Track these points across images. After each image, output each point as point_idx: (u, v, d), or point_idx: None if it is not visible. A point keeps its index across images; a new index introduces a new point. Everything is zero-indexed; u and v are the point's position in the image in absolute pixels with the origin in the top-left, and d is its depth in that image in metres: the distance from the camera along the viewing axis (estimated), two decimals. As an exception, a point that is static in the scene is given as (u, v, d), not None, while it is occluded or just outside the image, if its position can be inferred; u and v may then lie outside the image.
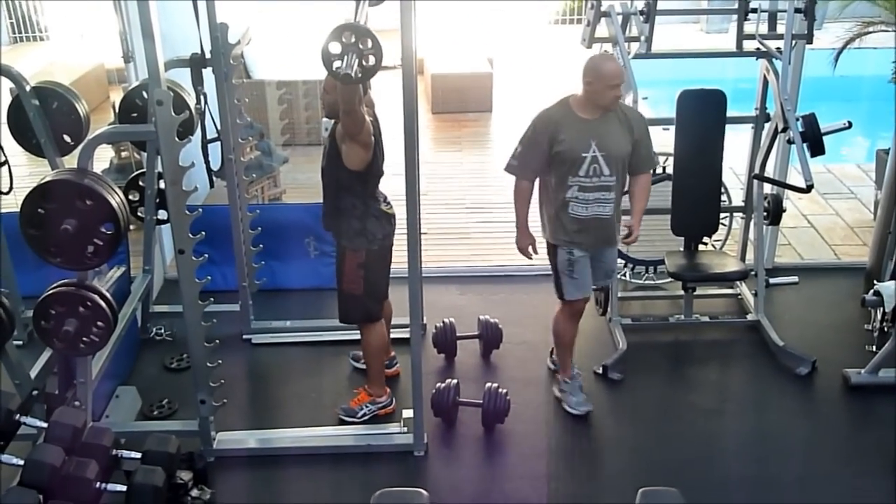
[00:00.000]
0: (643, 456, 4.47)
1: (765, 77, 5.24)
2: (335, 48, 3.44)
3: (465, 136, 9.23)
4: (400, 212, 4.18)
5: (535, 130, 4.37)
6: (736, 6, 5.12)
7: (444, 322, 5.23)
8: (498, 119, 9.82)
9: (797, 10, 5.04)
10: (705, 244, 5.53)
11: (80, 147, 3.80)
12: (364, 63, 3.48)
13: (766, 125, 5.30)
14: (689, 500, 3.08)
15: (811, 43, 5.18)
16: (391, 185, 4.46)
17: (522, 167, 4.44)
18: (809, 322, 5.59)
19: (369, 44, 3.45)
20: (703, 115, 5.23)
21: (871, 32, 8.01)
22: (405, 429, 4.50)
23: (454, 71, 9.95)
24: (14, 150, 4.55)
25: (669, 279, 5.56)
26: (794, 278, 5.56)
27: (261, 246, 5.39)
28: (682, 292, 5.46)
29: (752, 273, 5.44)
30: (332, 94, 4.21)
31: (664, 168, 5.58)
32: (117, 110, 4.76)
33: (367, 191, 4.34)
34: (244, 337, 5.42)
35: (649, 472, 4.28)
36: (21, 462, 3.33)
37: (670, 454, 4.45)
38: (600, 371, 5.04)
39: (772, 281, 5.47)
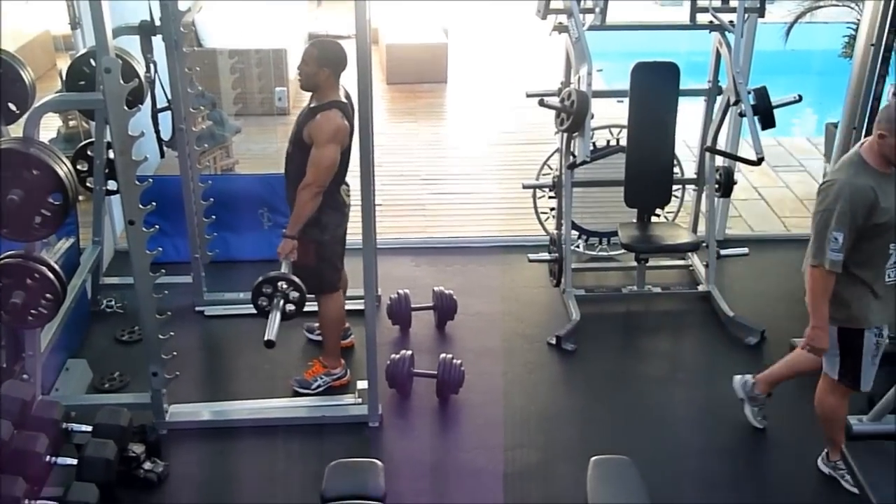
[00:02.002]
0: (596, 425, 4.53)
1: (717, 50, 5.27)
2: (263, 301, 4.07)
3: (420, 107, 9.19)
4: (354, 183, 4.15)
5: (852, 206, 3.54)
6: (690, -21, 5.14)
7: (398, 293, 5.23)
8: (453, 90, 9.78)
9: (750, -16, 5.07)
10: (658, 216, 5.58)
11: (25, 116, 3.74)
12: (292, 299, 4.08)
13: (719, 98, 5.33)
14: (641, 467, 3.12)
15: (763, 17, 5.22)
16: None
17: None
18: (759, 293, 5.68)
19: (286, 285, 4.06)
20: (656, 87, 5.25)
21: (821, 7, 8.13)
22: (360, 400, 4.50)
23: (409, 41, 9.87)
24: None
25: (622, 250, 5.59)
26: (745, 250, 5.64)
27: (213, 217, 5.34)
28: (634, 263, 5.52)
29: (704, 244, 5.50)
30: (311, 65, 4.14)
31: (617, 140, 5.62)
32: (64, 78, 4.67)
33: (335, 179, 4.27)
34: (196, 309, 5.37)
35: (602, 441, 4.33)
36: (-32, 437, 3.30)
37: (622, 423, 4.51)
38: (554, 342, 5.08)
39: (723, 252, 5.55)
